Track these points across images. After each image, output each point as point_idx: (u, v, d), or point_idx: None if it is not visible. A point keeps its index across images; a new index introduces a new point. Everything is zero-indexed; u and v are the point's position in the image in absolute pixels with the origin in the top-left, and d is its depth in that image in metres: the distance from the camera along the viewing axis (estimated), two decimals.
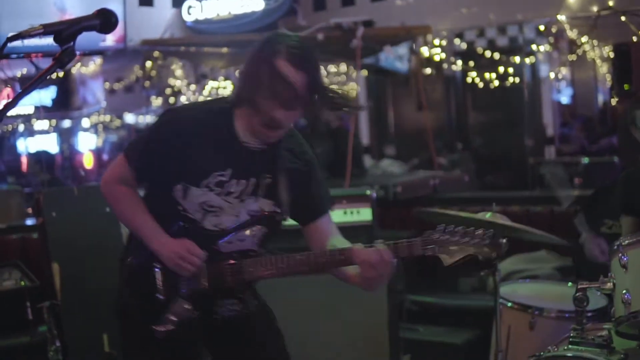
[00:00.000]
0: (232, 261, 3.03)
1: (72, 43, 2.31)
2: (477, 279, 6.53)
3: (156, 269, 3.05)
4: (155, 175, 3.09)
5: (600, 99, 14.56)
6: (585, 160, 8.48)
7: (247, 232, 3.06)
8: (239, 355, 3.23)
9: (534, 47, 10.66)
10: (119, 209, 3.19)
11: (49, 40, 2.31)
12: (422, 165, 10.03)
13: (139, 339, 3.12)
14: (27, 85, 2.27)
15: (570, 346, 3.39)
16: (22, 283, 5.68)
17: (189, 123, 3.05)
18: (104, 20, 2.36)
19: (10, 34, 2.21)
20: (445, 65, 10.64)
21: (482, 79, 10.47)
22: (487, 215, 4.11)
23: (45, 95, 13.49)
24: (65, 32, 2.29)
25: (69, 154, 13.64)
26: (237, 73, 12.93)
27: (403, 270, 5.77)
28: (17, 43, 2.21)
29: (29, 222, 7.08)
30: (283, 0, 9.39)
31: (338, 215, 5.06)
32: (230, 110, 3.02)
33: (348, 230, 5.08)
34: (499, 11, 9.71)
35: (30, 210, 7.98)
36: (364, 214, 5.11)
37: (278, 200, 3.08)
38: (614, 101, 11.11)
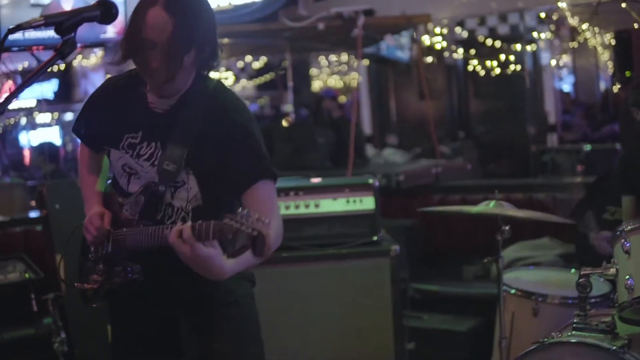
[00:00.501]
0: (123, 229, 3.01)
1: (72, 34, 2.32)
2: (480, 267, 6.54)
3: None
4: (92, 140, 3.19)
5: (602, 86, 14.58)
6: (587, 147, 8.46)
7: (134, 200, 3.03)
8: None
9: (535, 34, 10.64)
10: (79, 175, 3.30)
11: (50, 33, 2.32)
12: (425, 154, 10.03)
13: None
14: (28, 77, 2.29)
15: (573, 332, 3.40)
16: (27, 275, 5.68)
17: (112, 87, 3.13)
18: (105, 11, 2.37)
19: (10, 26, 2.22)
20: (446, 54, 10.64)
21: (484, 67, 10.45)
22: (491, 204, 4.12)
23: (47, 88, 13.50)
24: (65, 23, 2.31)
25: (72, 146, 13.63)
26: (238, 64, 13.00)
27: (406, 258, 5.77)
28: (17, 35, 2.23)
29: (33, 214, 7.08)
30: None
31: (341, 204, 5.07)
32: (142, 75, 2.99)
33: (351, 219, 5.15)
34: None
35: (33, 203, 7.98)
36: (367, 203, 5.10)
37: (178, 167, 2.91)
38: (615, 88, 11.13)
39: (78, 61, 10.82)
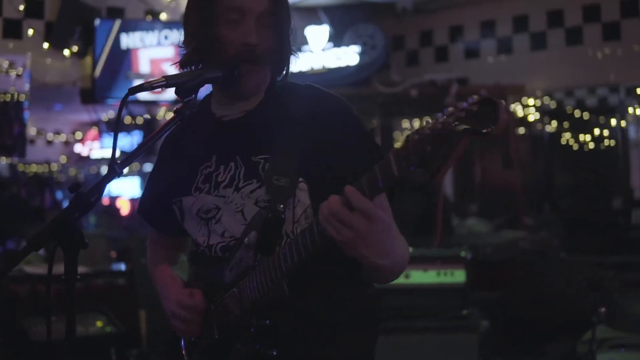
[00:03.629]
0: (233, 290, 2.33)
1: (193, 96, 2.28)
2: (566, 345, 6.35)
3: None
4: (160, 214, 2.64)
5: None
6: None
7: (245, 243, 2.30)
8: None
9: (624, 108, 10.48)
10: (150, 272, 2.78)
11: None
12: (508, 225, 9.86)
13: None
14: (150, 137, 2.25)
15: None
16: (108, 329, 5.66)
17: (166, 142, 2.65)
18: (227, 74, 2.32)
19: (132, 86, 2.18)
20: (539, 126, 10.51)
21: (575, 139, 10.30)
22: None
23: (130, 140, 13.68)
24: (187, 84, 2.26)
25: None
26: None
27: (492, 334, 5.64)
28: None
29: (115, 267, 7.10)
30: (377, 55, 9.34)
31: (431, 276, 5.02)
32: (206, 96, 2.59)
33: (441, 292, 5.08)
34: (591, 71, 9.59)
35: (114, 254, 8.02)
36: (458, 276, 5.04)
37: (289, 175, 2.30)
38: None
39: (162, 115, 10.94)
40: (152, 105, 10.02)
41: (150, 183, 2.71)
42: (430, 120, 1.83)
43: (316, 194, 2.27)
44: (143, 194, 2.74)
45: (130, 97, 2.17)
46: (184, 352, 2.54)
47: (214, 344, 2.40)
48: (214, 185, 2.41)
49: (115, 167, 2.20)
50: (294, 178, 2.29)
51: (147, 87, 2.21)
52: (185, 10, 2.46)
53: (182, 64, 2.42)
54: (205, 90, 2.44)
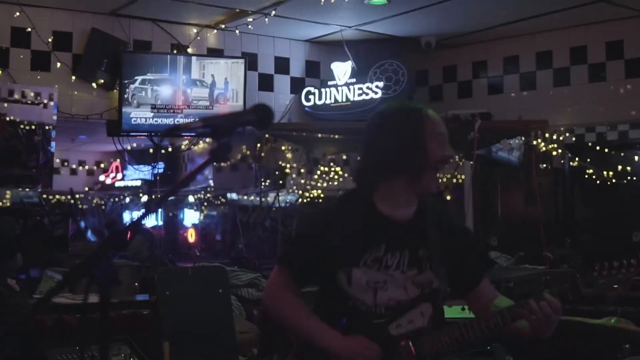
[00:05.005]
0: (404, 341, 3.14)
1: (228, 138, 2.33)
2: None
3: None
4: (315, 271, 3.26)
5: None
6: None
7: (415, 311, 3.19)
8: None
9: None
10: (283, 314, 3.28)
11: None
12: (528, 259, 9.84)
13: None
14: (186, 176, 2.32)
15: None
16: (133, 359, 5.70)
17: (333, 213, 3.32)
18: (261, 116, 2.38)
19: (170, 128, 2.24)
20: (562, 161, 10.50)
21: (599, 175, 10.29)
22: (612, 321, 4.03)
23: (150, 170, 13.73)
24: (222, 127, 2.32)
25: (174, 228, 13.79)
26: (353, 157, 13.01)
27: None
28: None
29: (140, 298, 7.13)
30: (401, 89, 9.38)
31: (456, 311, 5.02)
32: (367, 192, 3.27)
33: None
34: (612, 107, 9.62)
35: (136, 284, 8.04)
36: None
37: (438, 271, 3.21)
38: None
39: (184, 147, 11.01)
40: (175, 137, 10.09)
41: (305, 244, 3.31)
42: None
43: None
44: (295, 253, 3.35)
45: (155, 129, 2.26)
46: None
47: None
48: (384, 266, 3.17)
49: (152, 206, 2.27)
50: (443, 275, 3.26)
51: (184, 128, 2.28)
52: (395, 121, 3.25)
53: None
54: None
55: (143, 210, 2.28)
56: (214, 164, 12.30)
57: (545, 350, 6.81)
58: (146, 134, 8.92)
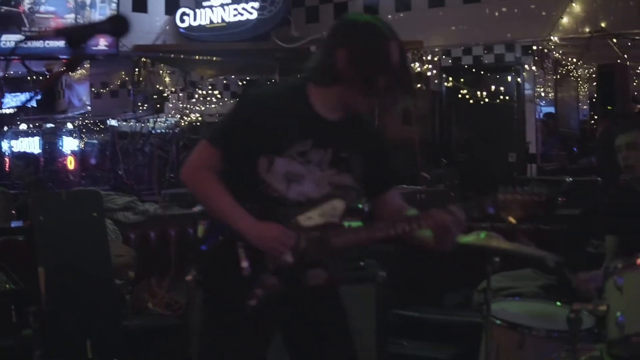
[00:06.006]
0: (315, 233, 3.19)
1: (83, 47, 2.30)
2: (461, 294, 6.51)
3: (240, 247, 3.16)
4: (241, 152, 3.21)
5: (581, 118, 14.65)
6: (569, 179, 8.46)
7: (326, 205, 3.22)
8: (308, 333, 3.41)
9: (519, 65, 10.70)
10: (202, 192, 3.31)
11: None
12: (406, 180, 10.01)
13: (224, 316, 3.26)
14: (43, 85, 2.27)
15: None
16: (7, 286, 5.63)
17: (269, 99, 3.26)
18: (117, 25, 2.34)
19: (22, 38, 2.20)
20: (436, 82, 10.67)
21: (473, 95, 10.49)
22: (482, 235, 4.13)
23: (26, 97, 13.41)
24: (76, 35, 2.28)
25: (52, 155, 13.55)
26: (240, 82, 12.92)
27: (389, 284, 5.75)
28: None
29: (15, 224, 7.01)
30: (276, 10, 9.34)
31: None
32: (304, 87, 3.25)
33: None
34: (488, 30, 9.78)
35: (14, 212, 7.90)
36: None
37: (355, 175, 3.28)
38: (594, 121, 11.19)
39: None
40: (52, 60, 9.86)
41: (236, 126, 3.25)
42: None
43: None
44: (225, 132, 3.29)
45: (26, 51, 2.21)
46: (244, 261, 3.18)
47: (287, 265, 3.18)
48: (306, 161, 3.19)
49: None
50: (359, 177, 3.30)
51: (36, 37, 2.24)
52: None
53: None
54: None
55: None
56: (92, 89, 12.12)
57: (417, 266, 7.01)
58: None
